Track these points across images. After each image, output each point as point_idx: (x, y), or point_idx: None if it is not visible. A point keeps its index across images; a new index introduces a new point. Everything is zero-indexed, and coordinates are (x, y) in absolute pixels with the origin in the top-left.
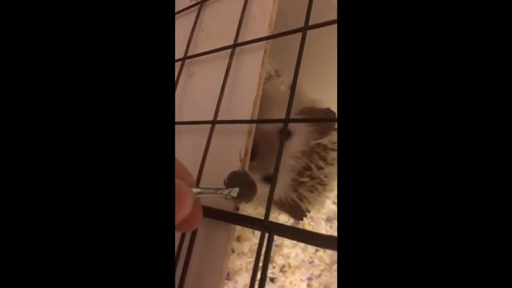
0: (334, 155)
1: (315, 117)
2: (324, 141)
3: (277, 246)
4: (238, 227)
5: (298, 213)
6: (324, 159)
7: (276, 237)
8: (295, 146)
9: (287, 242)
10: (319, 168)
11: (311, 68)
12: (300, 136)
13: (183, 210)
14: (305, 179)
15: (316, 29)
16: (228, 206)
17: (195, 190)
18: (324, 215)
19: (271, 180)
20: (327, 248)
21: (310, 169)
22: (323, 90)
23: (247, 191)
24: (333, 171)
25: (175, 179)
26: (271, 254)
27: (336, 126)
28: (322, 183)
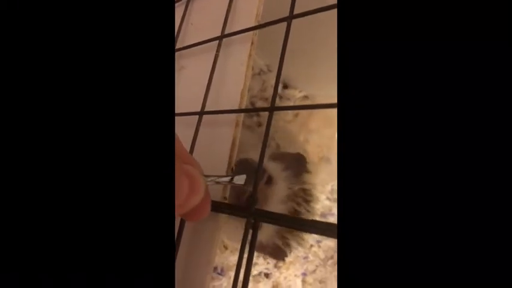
0: (315, 196)
1: (304, 105)
2: (306, 185)
3: None
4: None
5: (280, 254)
6: (307, 202)
7: None
8: (281, 191)
9: None
10: (307, 211)
11: (302, 63)
12: (282, 181)
13: (196, 196)
14: None
15: (309, 24)
16: (214, 195)
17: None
18: (317, 211)
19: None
20: (312, 232)
21: (298, 213)
22: (315, 85)
23: (253, 177)
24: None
25: (187, 166)
26: None
27: (307, 167)
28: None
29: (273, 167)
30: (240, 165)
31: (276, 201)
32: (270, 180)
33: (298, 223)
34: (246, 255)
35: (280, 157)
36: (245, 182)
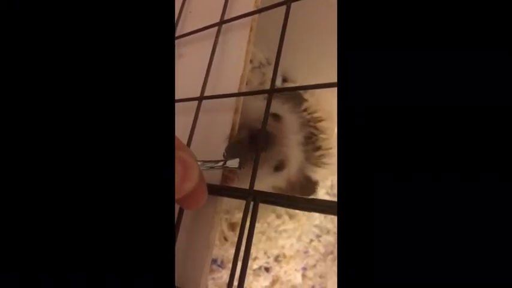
0: (323, 116)
1: (300, 86)
2: (311, 110)
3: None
4: (233, 216)
5: (308, 190)
6: (320, 121)
7: (269, 230)
8: (292, 123)
9: (282, 232)
10: (324, 133)
11: (302, 57)
12: (289, 114)
13: (189, 182)
14: (313, 145)
15: (309, 18)
16: (213, 179)
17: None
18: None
19: (281, 168)
20: (311, 211)
21: (315, 135)
22: (314, 79)
23: (247, 157)
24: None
25: (180, 152)
26: (265, 243)
27: (303, 95)
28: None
29: (272, 105)
30: (230, 150)
31: (292, 132)
32: (276, 117)
33: (298, 202)
34: (243, 248)
35: (275, 96)
36: (239, 165)
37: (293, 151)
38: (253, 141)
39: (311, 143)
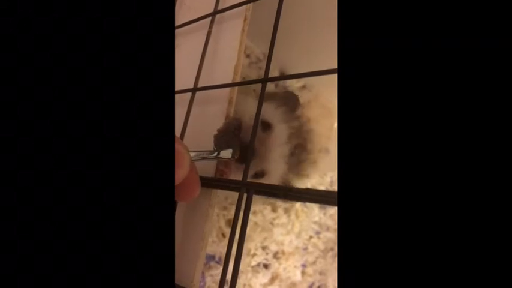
0: (314, 129)
1: (297, 74)
2: (304, 119)
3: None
4: (229, 212)
5: None
6: (309, 133)
7: (269, 226)
8: (280, 134)
9: (281, 229)
10: (310, 143)
11: (300, 52)
12: (280, 123)
13: (180, 170)
14: (297, 158)
15: (307, 13)
16: (207, 171)
17: (191, 154)
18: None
19: (260, 175)
20: (306, 201)
21: (302, 146)
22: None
23: (237, 146)
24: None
25: None
26: (265, 240)
27: (300, 101)
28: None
29: (265, 109)
30: (220, 140)
31: (278, 144)
32: (266, 126)
33: (292, 192)
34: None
35: (270, 97)
36: (232, 155)
37: (274, 164)
38: (239, 130)
39: (296, 154)
